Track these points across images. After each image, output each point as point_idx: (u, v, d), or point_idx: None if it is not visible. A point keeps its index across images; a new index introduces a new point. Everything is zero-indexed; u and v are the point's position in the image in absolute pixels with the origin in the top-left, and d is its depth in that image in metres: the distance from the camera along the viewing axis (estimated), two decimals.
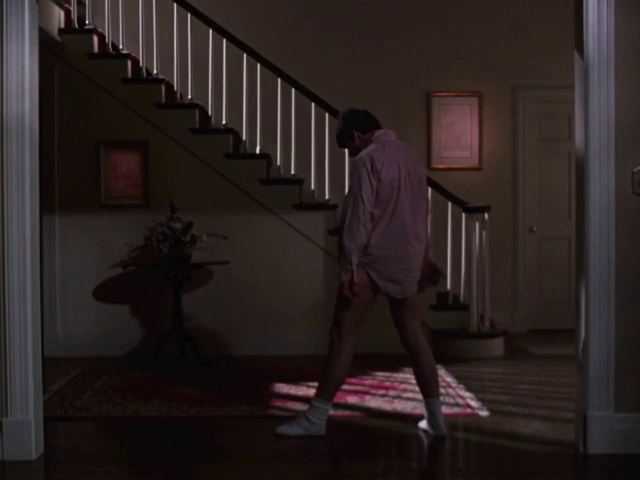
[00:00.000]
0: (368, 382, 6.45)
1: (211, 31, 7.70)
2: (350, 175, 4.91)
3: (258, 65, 7.66)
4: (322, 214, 7.69)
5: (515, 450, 4.72)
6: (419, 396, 5.91)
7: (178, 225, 7.15)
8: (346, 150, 5.27)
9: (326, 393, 4.92)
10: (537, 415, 5.41)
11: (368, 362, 7.09)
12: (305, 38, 8.63)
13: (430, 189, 7.76)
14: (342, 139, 5.04)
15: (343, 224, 4.74)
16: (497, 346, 7.64)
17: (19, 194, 4.49)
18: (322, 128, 7.65)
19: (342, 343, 4.93)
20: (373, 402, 5.80)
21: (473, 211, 7.67)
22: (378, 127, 5.08)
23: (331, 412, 5.45)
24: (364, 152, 4.89)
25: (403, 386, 6.29)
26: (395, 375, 6.69)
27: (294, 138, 7.74)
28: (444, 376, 6.62)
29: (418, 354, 5.00)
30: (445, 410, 5.53)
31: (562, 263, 8.86)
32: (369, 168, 4.75)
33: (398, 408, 5.62)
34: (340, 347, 4.93)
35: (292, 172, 7.77)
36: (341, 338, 4.94)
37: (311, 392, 6.03)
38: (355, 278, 4.72)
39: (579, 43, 4.59)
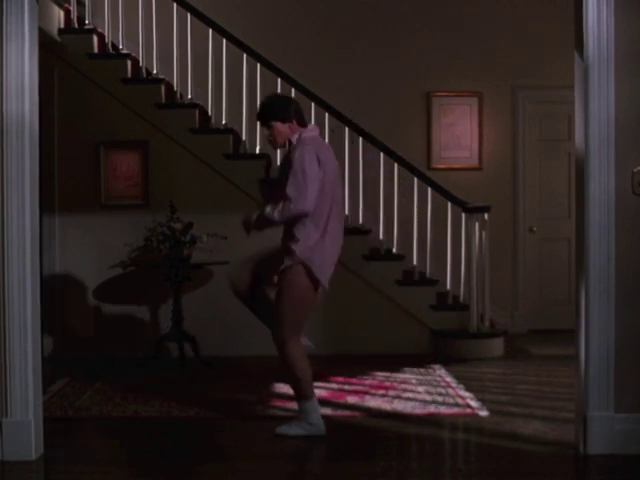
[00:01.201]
0: (368, 382, 6.45)
1: (211, 31, 7.70)
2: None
3: (258, 65, 7.66)
4: None
5: (515, 450, 4.71)
6: (419, 396, 5.93)
7: (178, 225, 7.15)
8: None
9: (306, 392, 4.92)
10: (537, 415, 5.40)
11: (368, 362, 7.09)
12: (305, 38, 8.63)
13: (430, 189, 7.79)
14: (284, 116, 5.07)
15: None
16: (497, 346, 7.64)
17: (19, 194, 4.49)
18: (322, 128, 7.63)
19: (291, 344, 4.87)
20: (373, 402, 5.79)
21: (473, 211, 7.67)
22: None
23: (331, 412, 5.47)
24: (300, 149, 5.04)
25: (403, 386, 6.29)
26: (395, 375, 6.69)
27: None
28: (444, 376, 6.62)
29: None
30: (445, 410, 5.54)
31: (562, 263, 8.86)
32: None
33: (398, 408, 5.62)
34: (291, 349, 4.87)
35: None
36: (288, 340, 4.88)
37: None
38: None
39: (579, 43, 4.59)
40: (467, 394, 5.99)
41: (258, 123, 5.17)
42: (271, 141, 5.06)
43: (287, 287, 4.86)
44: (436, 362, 7.17)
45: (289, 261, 4.86)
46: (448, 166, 8.84)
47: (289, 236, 4.89)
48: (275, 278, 4.95)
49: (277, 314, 4.90)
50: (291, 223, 4.87)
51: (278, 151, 7.73)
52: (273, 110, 5.00)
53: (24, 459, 4.47)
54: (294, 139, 4.97)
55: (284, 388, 6.14)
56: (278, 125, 4.98)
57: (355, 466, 4.45)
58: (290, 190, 4.76)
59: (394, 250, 7.86)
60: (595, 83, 4.47)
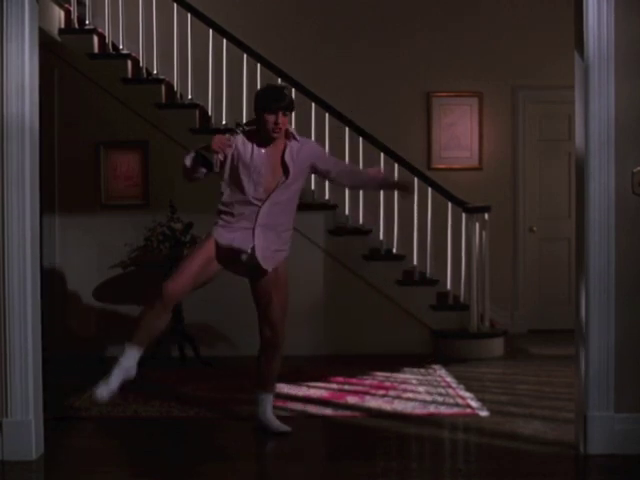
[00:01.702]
0: (368, 382, 6.45)
1: (211, 31, 7.70)
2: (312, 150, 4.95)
3: (258, 65, 7.66)
4: (322, 214, 7.69)
5: (515, 450, 4.72)
6: (419, 396, 5.94)
7: (178, 225, 7.15)
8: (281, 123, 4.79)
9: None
10: (537, 415, 5.41)
11: (368, 362, 7.09)
12: (305, 38, 8.62)
13: (430, 189, 7.79)
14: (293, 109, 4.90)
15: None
16: (497, 346, 7.64)
17: (19, 194, 4.49)
18: (322, 128, 7.65)
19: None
20: (373, 402, 5.79)
21: (473, 211, 7.67)
22: None
23: (331, 412, 5.47)
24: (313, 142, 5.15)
25: (403, 386, 6.29)
26: (395, 375, 6.69)
27: None
28: (444, 376, 6.62)
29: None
30: (445, 410, 5.54)
31: (562, 263, 8.85)
32: None
33: (398, 408, 5.62)
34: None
35: None
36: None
37: (311, 392, 6.05)
38: None
39: (579, 43, 4.59)
40: (467, 394, 5.99)
41: (278, 111, 4.77)
42: (279, 130, 4.78)
43: (286, 279, 4.93)
44: (436, 362, 7.17)
45: (286, 253, 4.94)
46: (448, 166, 8.84)
47: (286, 225, 4.88)
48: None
49: (283, 307, 4.90)
50: (291, 210, 4.89)
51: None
52: (291, 100, 4.88)
53: (24, 459, 4.48)
54: (296, 134, 4.92)
55: (284, 388, 6.14)
56: (287, 117, 4.87)
57: (355, 466, 4.46)
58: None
59: (394, 250, 7.86)
60: (595, 83, 4.48)
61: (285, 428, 5.00)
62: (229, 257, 4.79)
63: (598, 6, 4.46)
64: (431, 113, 8.86)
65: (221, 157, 4.75)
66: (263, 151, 4.82)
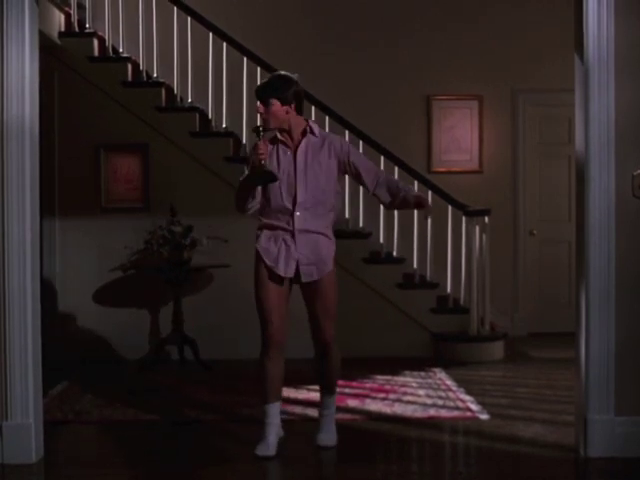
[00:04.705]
0: (368, 385, 6.45)
1: (211, 34, 7.71)
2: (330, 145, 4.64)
3: (258, 68, 7.66)
4: None
5: (515, 453, 4.71)
6: (419, 399, 5.94)
7: (178, 228, 7.15)
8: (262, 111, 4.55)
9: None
10: (537, 418, 5.40)
11: (368, 365, 7.09)
12: (305, 40, 8.62)
13: (430, 192, 7.79)
14: (285, 97, 4.53)
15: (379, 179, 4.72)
16: (497, 349, 7.64)
17: (19, 197, 4.49)
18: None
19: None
20: (373, 405, 5.79)
21: (473, 214, 7.67)
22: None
23: None
24: (338, 137, 4.77)
25: (403, 389, 6.29)
26: (395, 378, 6.69)
27: None
28: (444, 379, 6.62)
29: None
30: (445, 413, 5.54)
31: (562, 266, 8.85)
32: None
33: (398, 411, 5.61)
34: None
35: None
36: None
37: (312, 395, 6.04)
38: None
39: (579, 46, 4.59)
40: (467, 397, 5.99)
41: (258, 103, 4.58)
42: (265, 121, 4.54)
43: (335, 286, 4.68)
44: (436, 365, 7.17)
45: (331, 266, 4.68)
46: (448, 169, 8.84)
47: (327, 234, 4.64)
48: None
49: (332, 313, 4.66)
50: (329, 220, 4.66)
51: None
52: (275, 87, 4.52)
53: (24, 462, 4.47)
54: (315, 128, 4.66)
55: (284, 391, 6.11)
56: (276, 105, 4.52)
57: (356, 469, 4.45)
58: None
59: (394, 253, 7.86)
60: (595, 86, 4.48)
61: (328, 443, 4.79)
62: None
63: (598, 8, 4.46)
64: (431, 116, 8.87)
65: (264, 157, 4.41)
66: (289, 153, 4.58)
